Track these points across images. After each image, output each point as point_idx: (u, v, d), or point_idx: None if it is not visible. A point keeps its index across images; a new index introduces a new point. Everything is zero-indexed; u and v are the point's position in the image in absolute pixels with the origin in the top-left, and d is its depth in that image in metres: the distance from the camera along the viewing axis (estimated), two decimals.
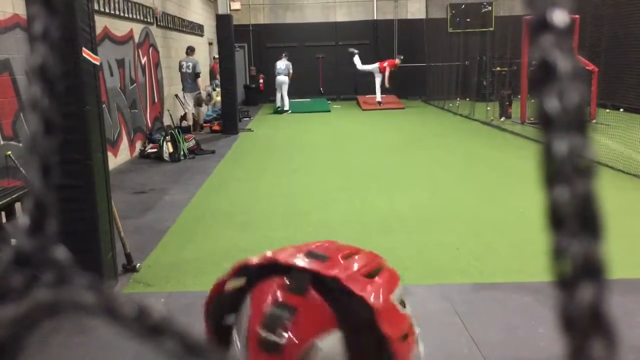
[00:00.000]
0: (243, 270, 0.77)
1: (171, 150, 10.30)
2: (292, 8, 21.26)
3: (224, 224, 6.27)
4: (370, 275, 0.73)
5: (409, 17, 20.97)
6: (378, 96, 18.38)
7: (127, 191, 7.92)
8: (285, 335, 0.70)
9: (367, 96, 19.48)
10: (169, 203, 7.25)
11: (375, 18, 21.22)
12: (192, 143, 10.87)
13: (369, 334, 0.69)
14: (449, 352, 3.51)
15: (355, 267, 0.73)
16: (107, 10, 9.47)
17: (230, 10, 13.79)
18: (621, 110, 14.50)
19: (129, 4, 10.67)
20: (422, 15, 20.81)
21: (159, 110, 12.75)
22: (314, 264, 0.73)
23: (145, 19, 11.79)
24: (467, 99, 17.13)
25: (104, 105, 7.72)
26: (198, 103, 13.81)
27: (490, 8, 19.78)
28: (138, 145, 11.03)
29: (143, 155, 10.73)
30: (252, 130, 14.16)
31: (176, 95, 14.21)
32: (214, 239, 5.76)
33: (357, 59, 18.35)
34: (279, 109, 18.22)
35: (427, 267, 4.86)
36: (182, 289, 4.55)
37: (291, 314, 0.70)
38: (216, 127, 13.95)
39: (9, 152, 6.07)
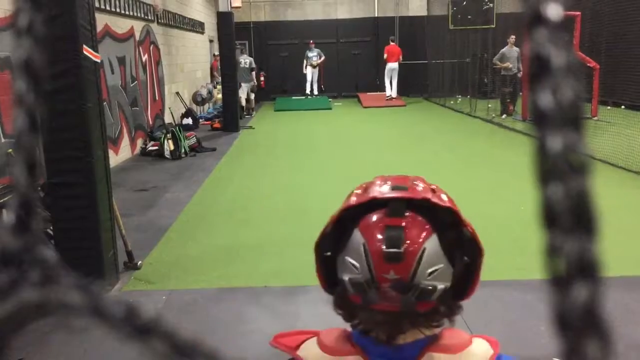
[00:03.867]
0: (343, 213, 1.03)
1: (172, 147, 10.30)
2: (292, 5, 21.24)
3: (225, 222, 6.27)
4: (433, 191, 1.02)
5: (410, 14, 20.92)
6: (388, 91, 18.49)
7: (128, 189, 7.93)
8: (403, 247, 0.95)
9: (368, 93, 19.47)
10: (170, 201, 7.25)
11: (376, 15, 21.18)
12: (193, 140, 10.87)
13: (452, 231, 1.00)
14: None
15: (425, 188, 1.02)
16: (107, 8, 9.47)
17: (231, 7, 13.77)
18: (622, 107, 14.48)
19: (130, 2, 10.66)
20: (423, 12, 20.77)
21: (160, 107, 12.75)
22: (403, 193, 1.00)
23: (146, 17, 11.78)
24: (468, 97, 17.11)
25: (105, 103, 7.71)
26: (252, 90, 17.23)
27: (491, 5, 19.74)
28: (139, 142, 11.03)
29: (144, 152, 10.73)
30: (253, 128, 14.15)
31: (177, 93, 14.21)
32: (215, 237, 5.76)
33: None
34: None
35: None
36: (184, 286, 4.56)
37: (401, 231, 0.96)
38: (217, 125, 13.93)
39: (11, 150, 6.08)
